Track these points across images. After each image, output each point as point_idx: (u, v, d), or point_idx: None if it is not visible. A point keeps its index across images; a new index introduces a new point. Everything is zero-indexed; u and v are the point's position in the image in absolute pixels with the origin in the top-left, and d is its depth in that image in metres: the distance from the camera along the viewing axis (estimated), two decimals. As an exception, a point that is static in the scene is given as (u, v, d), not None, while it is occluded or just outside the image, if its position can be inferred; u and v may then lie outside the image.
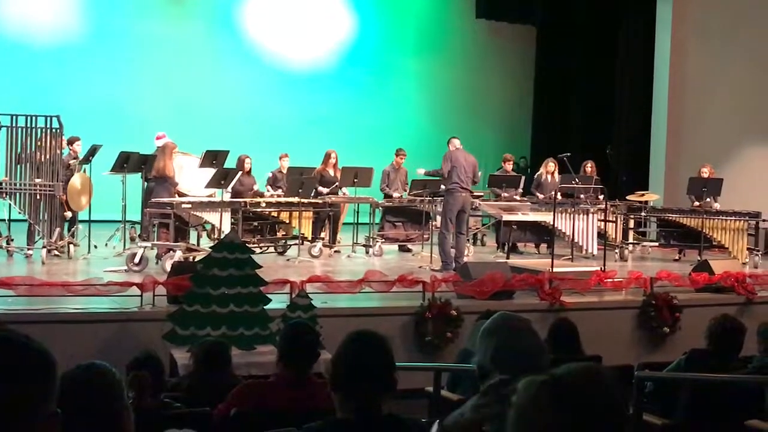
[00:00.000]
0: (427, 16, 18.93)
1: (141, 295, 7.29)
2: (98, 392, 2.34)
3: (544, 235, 12.65)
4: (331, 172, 12.51)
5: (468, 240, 12.88)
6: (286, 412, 3.88)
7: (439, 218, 11.38)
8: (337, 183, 12.45)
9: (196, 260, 8.74)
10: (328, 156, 12.59)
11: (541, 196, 12.91)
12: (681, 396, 5.14)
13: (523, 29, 19.58)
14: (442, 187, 10.96)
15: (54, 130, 10.28)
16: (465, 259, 10.62)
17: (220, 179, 10.48)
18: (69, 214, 10.73)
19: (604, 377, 1.67)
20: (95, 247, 11.23)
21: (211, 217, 10.44)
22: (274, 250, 11.86)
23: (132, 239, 11.96)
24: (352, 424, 2.61)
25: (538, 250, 13.20)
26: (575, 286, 8.88)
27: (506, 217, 12.25)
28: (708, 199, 12.52)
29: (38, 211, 10.24)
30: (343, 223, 12.95)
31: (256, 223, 11.54)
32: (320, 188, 12.15)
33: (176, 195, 10.78)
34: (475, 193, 13.35)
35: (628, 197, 13.29)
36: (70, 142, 11.12)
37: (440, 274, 9.39)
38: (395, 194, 12.78)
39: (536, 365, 2.50)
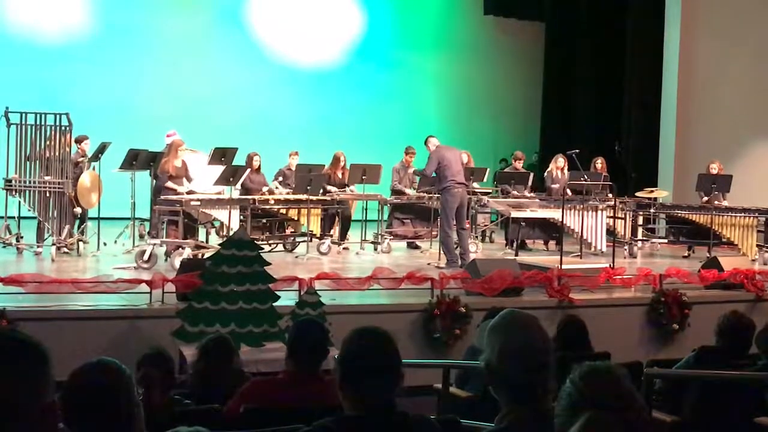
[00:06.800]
0: (435, 13, 18.91)
1: (150, 293, 7.30)
2: (107, 389, 2.35)
3: (552, 232, 12.63)
4: (340, 175, 12.50)
5: (476, 237, 12.89)
6: (296, 409, 3.89)
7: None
8: (345, 185, 12.46)
9: (205, 257, 8.75)
10: (337, 159, 12.56)
11: (555, 186, 12.89)
12: (690, 393, 5.13)
13: (531, 26, 19.56)
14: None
15: (63, 128, 10.32)
16: (473, 255, 10.62)
17: (229, 176, 10.50)
18: (78, 210, 10.75)
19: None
20: (104, 244, 11.27)
21: (220, 214, 10.46)
22: (282, 248, 11.88)
23: (141, 236, 11.99)
24: (361, 421, 2.62)
25: (546, 247, 13.18)
26: (584, 283, 8.86)
27: (515, 214, 12.24)
28: (717, 194, 12.50)
29: (48, 208, 10.28)
30: (352, 220, 12.96)
31: (264, 221, 11.56)
32: (328, 187, 12.14)
33: (172, 191, 10.70)
34: (479, 189, 13.41)
35: (637, 194, 13.26)
36: (78, 141, 11.12)
37: (448, 270, 9.40)
38: (408, 190, 12.76)
39: (544, 363, 2.50)
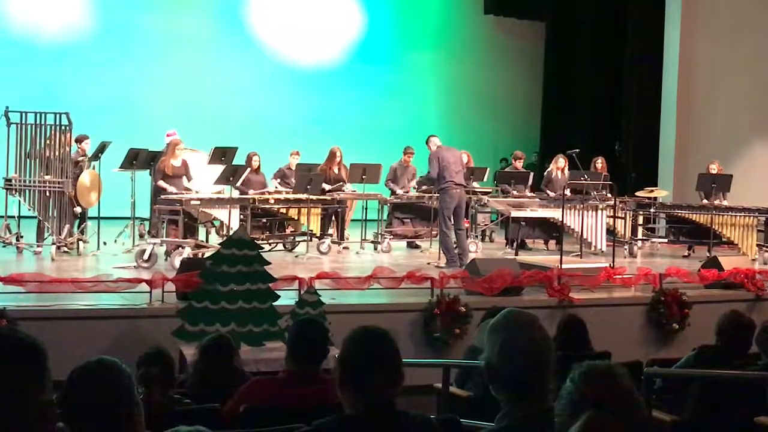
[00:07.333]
0: (435, 13, 18.91)
1: (150, 292, 7.30)
2: (108, 389, 2.35)
3: (552, 231, 12.63)
4: (336, 170, 12.49)
5: (476, 236, 12.89)
6: (296, 409, 3.88)
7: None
8: (342, 182, 12.45)
9: (205, 257, 8.75)
10: (333, 154, 12.54)
11: (551, 194, 12.87)
12: (690, 392, 5.13)
13: (531, 25, 19.56)
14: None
15: (63, 127, 10.32)
16: (472, 255, 10.62)
17: (229, 176, 10.51)
18: (78, 209, 10.75)
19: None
20: (104, 243, 11.28)
21: (220, 213, 10.47)
22: (282, 247, 11.88)
23: (141, 236, 11.98)
24: (361, 421, 2.62)
25: (546, 247, 13.18)
26: (584, 282, 8.86)
27: (515, 214, 12.24)
28: (717, 194, 12.50)
29: (47, 207, 10.28)
30: (352, 220, 12.95)
31: (264, 220, 11.56)
32: (324, 185, 12.12)
33: (165, 190, 10.75)
34: (479, 189, 13.38)
35: (637, 193, 13.26)
36: (78, 140, 11.12)
37: (448, 270, 9.40)
38: (399, 191, 12.74)
39: (544, 362, 2.50)
